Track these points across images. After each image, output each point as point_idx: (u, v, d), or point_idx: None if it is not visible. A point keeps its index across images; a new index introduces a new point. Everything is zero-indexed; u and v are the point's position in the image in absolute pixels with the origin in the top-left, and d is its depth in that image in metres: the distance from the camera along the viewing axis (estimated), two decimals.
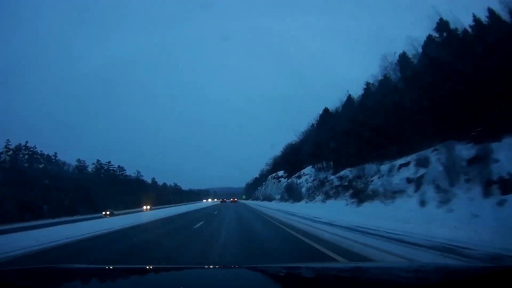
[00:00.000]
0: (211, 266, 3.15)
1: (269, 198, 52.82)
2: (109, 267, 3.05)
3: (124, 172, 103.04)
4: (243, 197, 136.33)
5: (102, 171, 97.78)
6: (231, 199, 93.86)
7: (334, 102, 46.59)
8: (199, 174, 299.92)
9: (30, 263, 7.46)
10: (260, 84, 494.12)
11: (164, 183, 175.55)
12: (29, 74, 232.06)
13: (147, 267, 2.78)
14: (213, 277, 2.05)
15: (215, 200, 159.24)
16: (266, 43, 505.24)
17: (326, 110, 39.29)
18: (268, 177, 68.69)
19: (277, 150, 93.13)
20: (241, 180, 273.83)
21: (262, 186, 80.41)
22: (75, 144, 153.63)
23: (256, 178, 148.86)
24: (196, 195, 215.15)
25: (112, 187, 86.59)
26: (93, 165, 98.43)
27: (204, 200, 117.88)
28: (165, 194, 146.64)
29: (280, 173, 53.81)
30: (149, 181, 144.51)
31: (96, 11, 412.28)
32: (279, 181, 51.71)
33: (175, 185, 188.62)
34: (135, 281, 1.97)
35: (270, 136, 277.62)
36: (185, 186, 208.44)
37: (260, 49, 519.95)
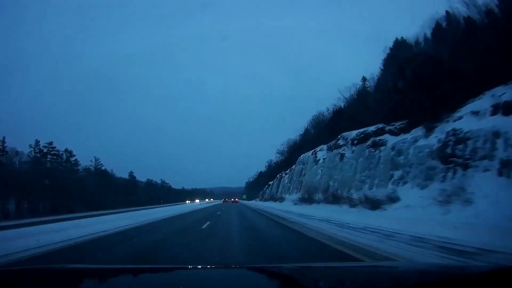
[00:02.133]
0: (211, 266, 3.00)
1: (340, 199, 18.43)
2: (109, 267, 2.84)
3: (73, 157, 68.51)
4: (244, 197, 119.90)
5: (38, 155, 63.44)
6: (232, 199, 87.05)
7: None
8: (196, 173, 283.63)
9: None
10: (260, 83, 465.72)
11: (149, 180, 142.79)
12: (26, 72, 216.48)
13: (147, 267, 2.66)
14: (213, 277, 1.96)
15: (207, 200, 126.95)
16: (266, 42, 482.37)
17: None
18: (304, 156, 34.59)
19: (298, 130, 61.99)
20: (239, 179, 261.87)
21: (283, 177, 46.55)
22: (73, 141, 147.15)
23: (261, 172, 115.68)
24: (188, 194, 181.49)
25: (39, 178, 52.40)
26: (31, 149, 64.35)
27: (187, 202, 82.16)
28: (146, 193, 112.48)
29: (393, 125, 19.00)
30: (125, 176, 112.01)
31: (95, 10, 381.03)
32: (374, 149, 17.27)
33: (163, 182, 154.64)
34: (135, 281, 1.88)
35: (269, 136, 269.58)
36: (178, 185, 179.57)
37: (260, 48, 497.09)
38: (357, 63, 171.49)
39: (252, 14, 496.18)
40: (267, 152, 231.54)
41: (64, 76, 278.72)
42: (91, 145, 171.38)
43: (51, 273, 1.97)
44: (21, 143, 61.36)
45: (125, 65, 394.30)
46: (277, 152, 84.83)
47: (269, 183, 64.36)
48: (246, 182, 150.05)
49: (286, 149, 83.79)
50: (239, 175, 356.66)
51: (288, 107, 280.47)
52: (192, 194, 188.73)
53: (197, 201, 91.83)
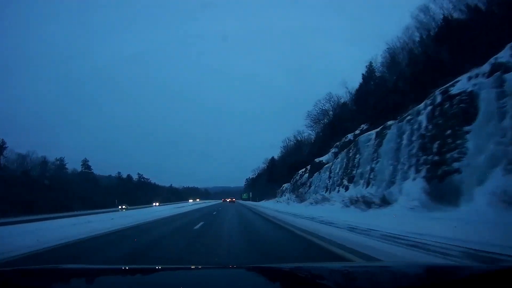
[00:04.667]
0: (211, 266, 2.80)
1: None
2: (109, 267, 2.76)
3: None
4: (244, 195, 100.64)
5: None
6: (229, 199, 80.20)
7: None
8: (194, 172, 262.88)
9: None
10: (259, 82, 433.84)
11: (119, 174, 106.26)
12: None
13: (147, 267, 2.56)
14: (213, 277, 1.91)
15: (191, 201, 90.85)
16: (265, 41, 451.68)
17: None
18: None
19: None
20: (239, 179, 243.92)
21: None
22: (71, 139, 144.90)
23: (272, 159, 78.32)
24: (177, 193, 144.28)
25: None
26: None
27: (122, 208, 44.22)
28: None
29: None
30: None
31: (88, 12, 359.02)
32: None
33: (140, 177, 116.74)
34: (135, 281, 1.85)
35: (268, 137, 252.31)
36: (166, 184, 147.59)
37: (259, 47, 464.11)
38: (356, 63, 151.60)
39: (252, 14, 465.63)
40: (266, 151, 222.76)
41: (60, 75, 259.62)
42: (89, 144, 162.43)
43: (51, 273, 1.93)
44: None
45: (123, 64, 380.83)
46: (308, 118, 47.88)
47: (320, 160, 26.86)
48: (247, 179, 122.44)
49: (318, 113, 46.99)
50: (239, 175, 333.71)
51: (287, 108, 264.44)
52: (182, 193, 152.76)
53: (156, 204, 53.14)
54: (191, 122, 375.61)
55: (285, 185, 41.38)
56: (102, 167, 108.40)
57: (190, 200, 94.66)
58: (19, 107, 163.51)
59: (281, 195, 40.49)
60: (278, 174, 62.64)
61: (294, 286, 1.72)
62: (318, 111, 47.65)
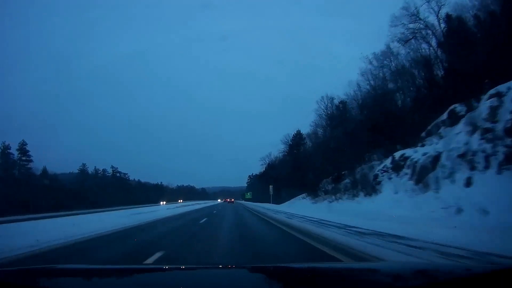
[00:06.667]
0: (211, 266, 2.74)
1: None
2: (109, 267, 2.67)
3: None
4: (248, 195, 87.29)
5: None
6: (228, 199, 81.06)
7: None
8: (192, 172, 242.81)
9: None
10: (259, 81, 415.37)
11: (85, 167, 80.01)
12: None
13: (147, 267, 2.60)
14: (213, 277, 1.88)
15: (163, 203, 66.33)
16: (265, 40, 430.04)
17: None
18: None
19: None
20: (239, 179, 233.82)
21: None
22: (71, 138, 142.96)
23: (298, 136, 51.14)
24: (167, 194, 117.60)
25: None
26: None
27: None
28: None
29: None
30: None
31: (91, 12, 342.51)
32: None
33: (115, 171, 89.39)
34: (135, 281, 1.80)
35: (268, 136, 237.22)
36: (158, 183, 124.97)
37: (259, 47, 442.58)
38: (356, 62, 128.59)
39: (252, 13, 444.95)
40: (266, 150, 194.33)
41: (58, 73, 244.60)
42: (88, 143, 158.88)
43: (51, 273, 1.88)
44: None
45: (122, 63, 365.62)
46: (395, 24, 21.81)
47: None
48: (250, 176, 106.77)
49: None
50: (240, 175, 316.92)
51: (287, 107, 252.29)
52: (177, 193, 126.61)
53: None
54: (191, 121, 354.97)
55: (402, 152, 13.93)
56: (101, 166, 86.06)
57: (162, 203, 66.30)
58: (16, 105, 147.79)
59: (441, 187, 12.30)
60: (319, 156, 36.17)
61: (294, 286, 1.67)
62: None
